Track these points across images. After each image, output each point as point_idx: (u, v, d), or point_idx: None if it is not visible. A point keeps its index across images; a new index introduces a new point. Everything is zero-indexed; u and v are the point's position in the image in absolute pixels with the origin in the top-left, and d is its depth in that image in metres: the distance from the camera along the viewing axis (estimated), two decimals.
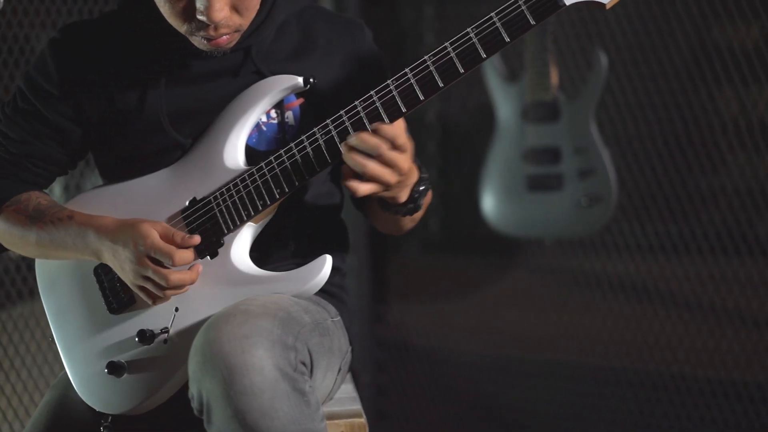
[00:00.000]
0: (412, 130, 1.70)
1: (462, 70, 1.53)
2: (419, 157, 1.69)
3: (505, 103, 3.14)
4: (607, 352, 3.12)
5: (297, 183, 1.61)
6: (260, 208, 1.62)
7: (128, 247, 1.60)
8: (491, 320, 3.40)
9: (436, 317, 3.48)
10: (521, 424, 3.25)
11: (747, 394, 2.86)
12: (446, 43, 1.54)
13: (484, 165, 3.17)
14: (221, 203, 1.64)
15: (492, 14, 1.52)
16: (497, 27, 1.52)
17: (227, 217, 1.64)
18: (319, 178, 1.71)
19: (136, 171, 1.73)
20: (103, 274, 1.71)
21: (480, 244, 3.48)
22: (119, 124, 1.72)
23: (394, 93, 1.55)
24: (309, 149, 1.59)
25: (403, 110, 1.56)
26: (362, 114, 1.56)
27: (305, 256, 1.70)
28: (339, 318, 1.78)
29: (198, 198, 1.66)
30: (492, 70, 3.14)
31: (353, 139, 1.53)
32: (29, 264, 2.70)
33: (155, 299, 1.63)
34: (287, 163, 1.60)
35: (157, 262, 1.60)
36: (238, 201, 1.63)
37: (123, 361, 1.65)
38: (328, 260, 1.61)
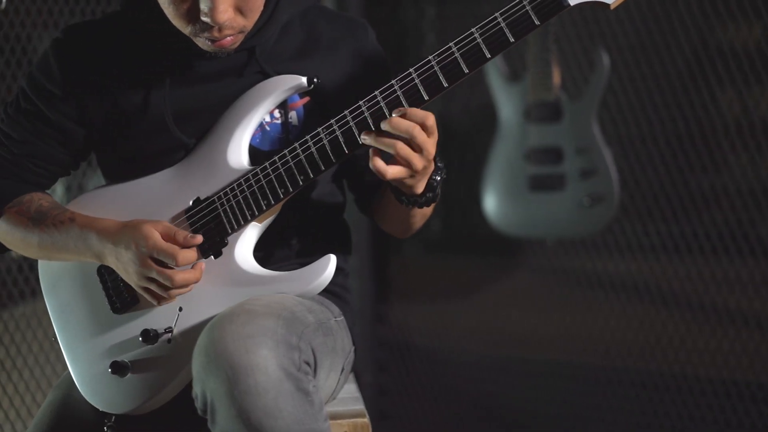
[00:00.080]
0: None
1: (467, 70, 1.53)
2: None
3: (507, 103, 3.14)
4: (609, 352, 3.12)
5: (301, 182, 1.60)
6: (264, 207, 1.62)
7: (130, 249, 1.60)
8: (493, 320, 3.41)
9: (438, 317, 3.48)
10: (522, 423, 3.25)
11: (749, 394, 2.86)
12: (451, 43, 1.54)
13: (486, 165, 3.18)
14: (225, 203, 1.64)
15: (496, 14, 1.52)
16: (501, 27, 1.52)
17: (231, 216, 1.64)
18: (322, 178, 1.71)
19: (139, 171, 1.73)
20: (107, 273, 1.71)
21: (481, 244, 3.48)
22: (122, 124, 1.72)
23: (399, 93, 1.55)
24: (313, 149, 1.59)
25: (413, 108, 1.55)
26: (366, 114, 1.56)
27: (309, 255, 1.71)
28: (342, 318, 1.78)
29: (202, 198, 1.66)
30: (494, 70, 3.14)
31: (385, 124, 1.53)
32: (31, 264, 2.70)
33: (160, 300, 1.63)
34: (291, 163, 1.60)
35: (161, 263, 1.59)
36: (242, 201, 1.63)
37: (126, 360, 1.65)
38: (332, 260, 1.61)
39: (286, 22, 1.72)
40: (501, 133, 3.16)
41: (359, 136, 1.56)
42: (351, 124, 1.57)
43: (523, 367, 3.29)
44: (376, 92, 1.56)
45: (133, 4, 1.73)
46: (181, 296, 1.63)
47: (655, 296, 3.10)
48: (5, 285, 2.72)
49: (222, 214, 1.64)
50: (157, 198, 1.70)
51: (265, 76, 1.69)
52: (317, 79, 1.65)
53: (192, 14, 1.56)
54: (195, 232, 1.64)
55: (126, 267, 1.61)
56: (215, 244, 1.64)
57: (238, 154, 1.67)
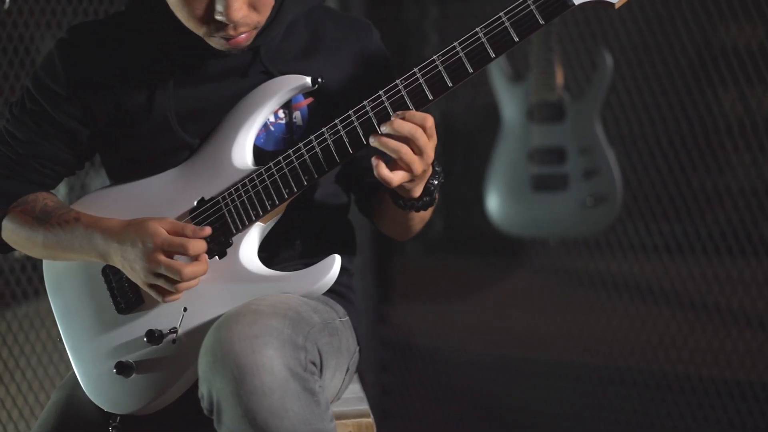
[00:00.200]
0: None
1: (471, 70, 1.53)
2: None
3: (510, 103, 3.14)
4: (612, 352, 3.12)
5: (306, 183, 1.60)
6: (269, 207, 1.62)
7: (136, 246, 1.60)
8: (495, 320, 3.40)
9: (440, 317, 3.48)
10: (524, 423, 3.25)
11: (752, 394, 2.86)
12: (455, 43, 1.54)
13: (489, 165, 3.17)
14: (230, 203, 1.64)
15: (501, 14, 1.52)
16: (506, 27, 1.52)
17: (236, 216, 1.64)
18: (327, 178, 1.71)
19: (143, 171, 1.73)
20: (111, 274, 1.71)
21: (484, 244, 3.48)
22: (127, 124, 1.72)
23: (403, 93, 1.55)
24: (317, 149, 1.59)
25: (412, 110, 1.55)
26: (371, 114, 1.56)
27: (313, 256, 1.71)
28: (347, 318, 1.78)
29: (206, 198, 1.66)
30: (497, 70, 3.14)
31: (386, 126, 1.53)
32: (34, 264, 2.71)
33: (167, 296, 1.62)
34: (296, 163, 1.60)
35: (170, 258, 1.59)
36: (246, 201, 1.63)
37: (131, 361, 1.65)
38: (337, 260, 1.61)
39: (290, 21, 1.72)
40: (504, 133, 3.16)
41: (363, 137, 1.56)
42: (355, 124, 1.57)
43: (525, 367, 3.29)
44: (381, 92, 1.56)
45: (137, 5, 1.73)
46: (185, 296, 1.63)
47: (658, 296, 3.10)
48: (8, 285, 2.73)
49: (227, 215, 1.64)
50: (162, 198, 1.70)
51: (270, 76, 1.69)
52: (321, 80, 1.65)
53: (207, 15, 1.56)
54: None
55: (132, 265, 1.61)
56: (220, 244, 1.64)
57: (242, 154, 1.67)
